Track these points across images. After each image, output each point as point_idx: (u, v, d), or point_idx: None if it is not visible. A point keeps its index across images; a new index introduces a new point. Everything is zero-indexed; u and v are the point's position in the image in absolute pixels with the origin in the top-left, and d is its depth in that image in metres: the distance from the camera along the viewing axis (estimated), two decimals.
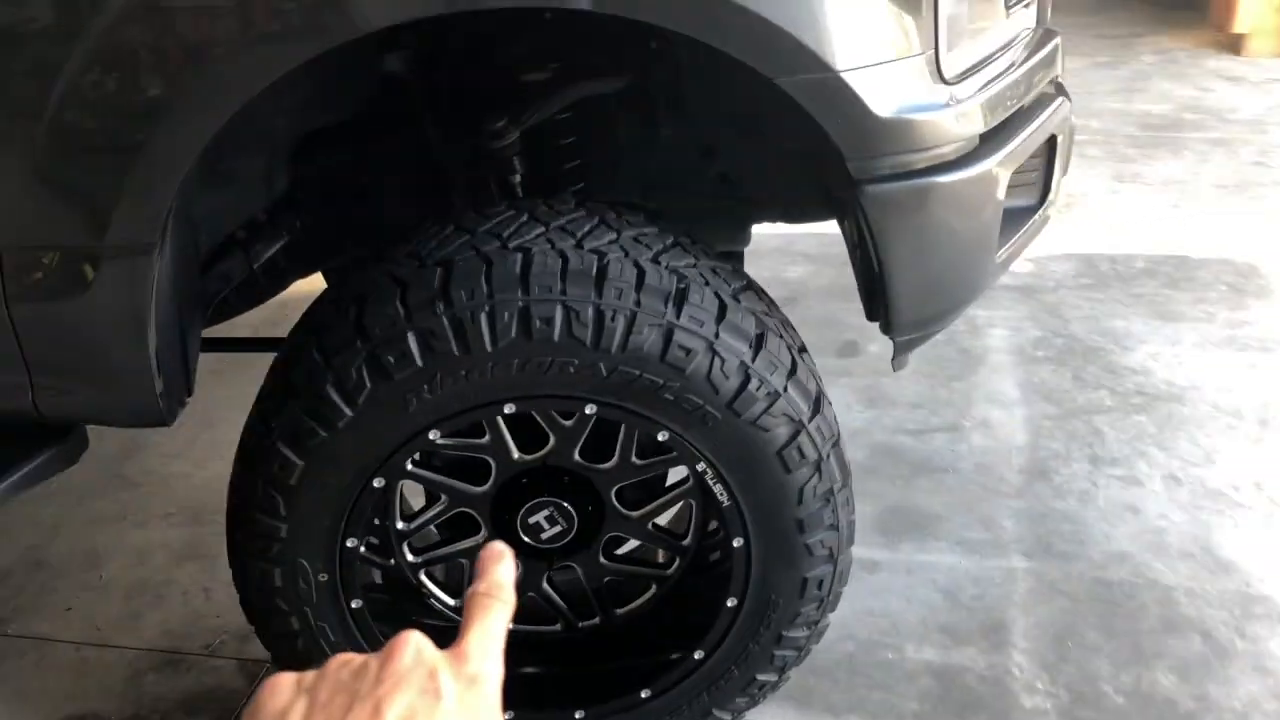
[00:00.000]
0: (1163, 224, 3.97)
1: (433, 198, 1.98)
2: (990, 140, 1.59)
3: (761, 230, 3.02)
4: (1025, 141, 1.67)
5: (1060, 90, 1.90)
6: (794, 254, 3.80)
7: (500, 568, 0.61)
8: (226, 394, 2.29)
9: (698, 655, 1.69)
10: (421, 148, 1.93)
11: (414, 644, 0.53)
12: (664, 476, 1.72)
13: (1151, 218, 4.03)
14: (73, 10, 1.33)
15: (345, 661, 0.53)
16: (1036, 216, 1.83)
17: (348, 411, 1.46)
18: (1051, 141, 1.80)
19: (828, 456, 1.56)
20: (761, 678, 1.72)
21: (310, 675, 0.53)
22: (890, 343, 1.74)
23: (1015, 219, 1.76)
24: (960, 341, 3.18)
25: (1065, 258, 3.69)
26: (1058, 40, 1.85)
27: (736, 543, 1.60)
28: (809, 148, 1.52)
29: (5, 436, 1.63)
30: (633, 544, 1.81)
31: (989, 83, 1.60)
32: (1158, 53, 6.29)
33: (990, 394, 2.91)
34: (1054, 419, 2.78)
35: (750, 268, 3.78)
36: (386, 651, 0.53)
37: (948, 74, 1.51)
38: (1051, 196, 1.87)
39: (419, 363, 1.43)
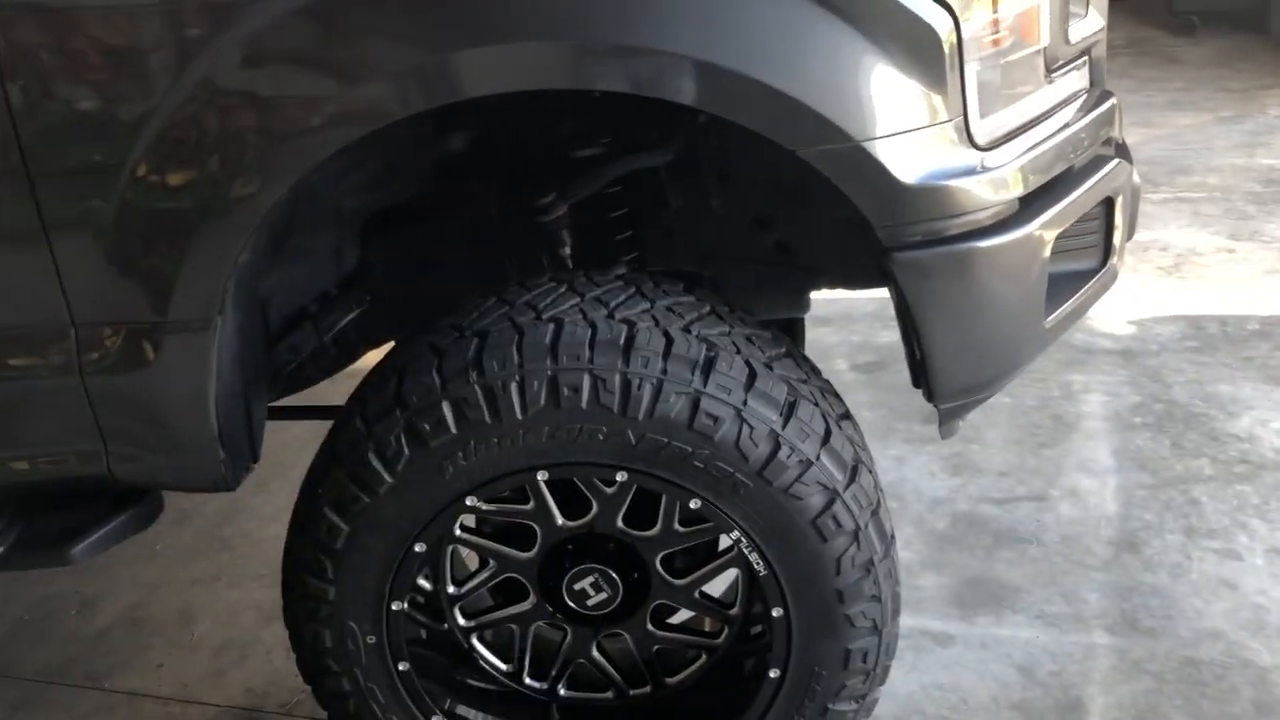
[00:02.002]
0: None
1: (495, 270, 2.04)
2: (1032, 204, 1.57)
3: (857, 296, 3.00)
4: (1072, 205, 1.63)
5: (1121, 151, 1.86)
6: (887, 318, 3.74)
7: None
8: None
9: None
10: (483, 222, 2.00)
11: None
12: (715, 544, 1.72)
13: (1269, 277, 3.86)
14: (136, 100, 1.43)
15: None
16: (1096, 279, 1.78)
17: (388, 478, 1.51)
18: (1109, 203, 1.76)
19: (865, 526, 1.54)
20: None
21: None
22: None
23: (1069, 282, 1.72)
24: (1054, 407, 3.09)
25: (1171, 319, 3.56)
26: (1113, 101, 1.81)
27: (776, 613, 1.59)
28: (856, 215, 1.53)
29: (86, 500, 1.74)
30: (687, 613, 1.81)
31: (1030, 147, 1.58)
32: None
33: (1082, 462, 2.82)
34: (1149, 489, 2.67)
35: (843, 332, 3.79)
36: None
37: (980, 140, 1.50)
38: (1114, 259, 1.82)
39: (453, 430, 1.48)
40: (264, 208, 1.46)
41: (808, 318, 2.50)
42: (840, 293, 2.41)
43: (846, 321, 3.82)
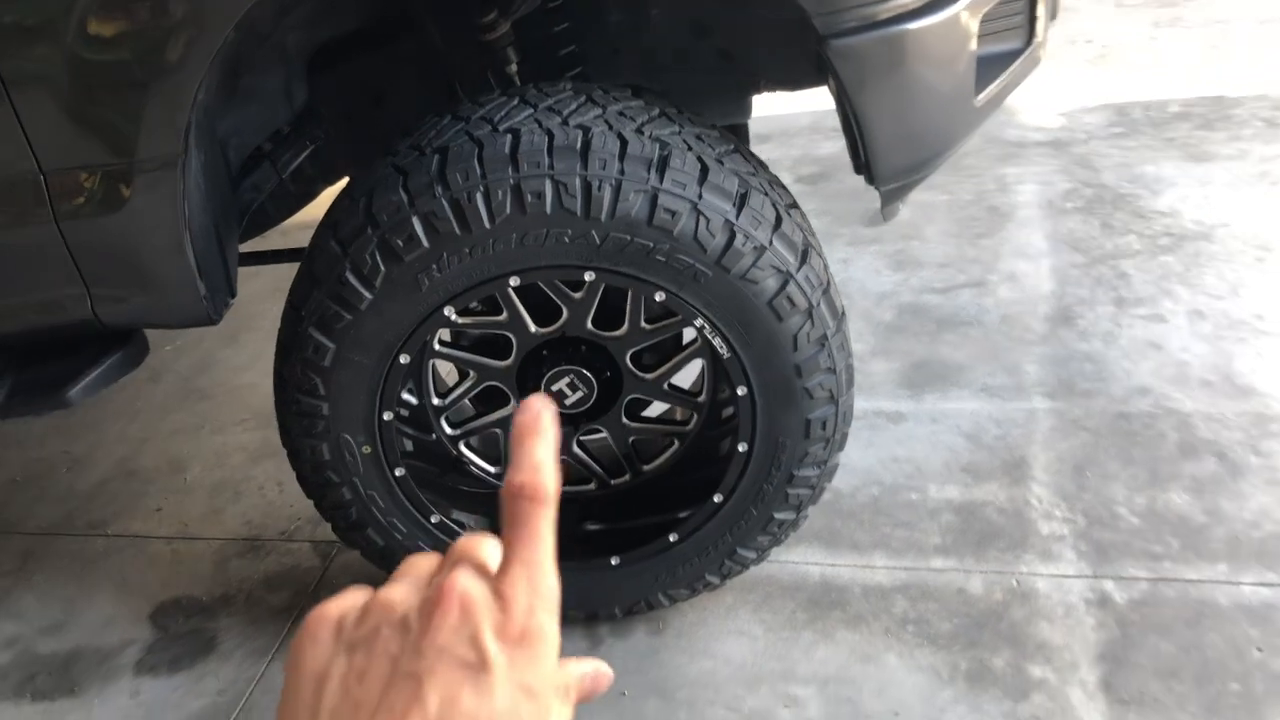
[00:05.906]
0: (1201, 66, 3.90)
1: (445, 96, 2.08)
2: None
3: (793, 108, 3.06)
4: None
5: None
6: (826, 130, 3.83)
7: (539, 446, 0.50)
8: None
9: (717, 499, 1.82)
10: (428, 49, 2.03)
11: (458, 596, 0.47)
12: (680, 338, 1.83)
13: (1189, 60, 3.96)
14: None
15: (387, 608, 0.48)
16: (1021, 59, 1.86)
17: (367, 295, 1.59)
18: None
19: (818, 304, 1.65)
20: (779, 516, 1.84)
21: (351, 621, 0.48)
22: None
23: (997, 63, 1.80)
24: (989, 200, 3.21)
25: (1098, 108, 3.66)
26: None
27: (740, 391, 1.71)
28: (791, 14, 1.59)
29: (75, 346, 1.80)
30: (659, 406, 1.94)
31: None
32: None
33: (1018, 248, 2.96)
34: (1081, 267, 2.82)
35: (784, 147, 3.86)
36: (431, 603, 0.47)
37: None
38: (1038, 39, 1.89)
39: (425, 244, 1.56)
40: (214, 47, 1.49)
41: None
42: (778, 109, 2.48)
43: (785, 136, 3.89)
